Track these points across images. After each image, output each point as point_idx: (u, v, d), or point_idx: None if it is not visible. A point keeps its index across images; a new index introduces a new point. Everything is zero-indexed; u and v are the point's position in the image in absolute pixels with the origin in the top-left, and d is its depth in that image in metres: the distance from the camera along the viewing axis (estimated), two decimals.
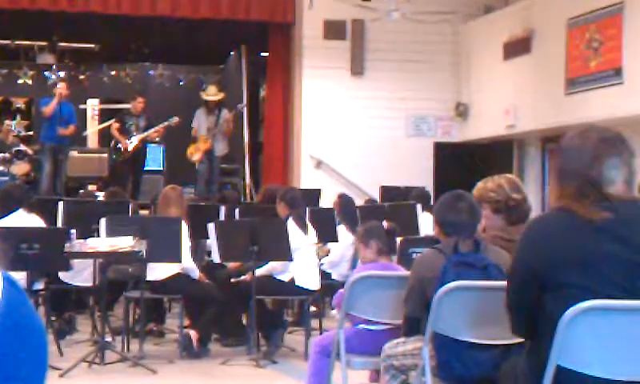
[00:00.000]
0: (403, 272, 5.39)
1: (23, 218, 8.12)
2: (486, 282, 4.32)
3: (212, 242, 8.50)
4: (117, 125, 15.11)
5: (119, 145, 14.88)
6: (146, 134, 14.89)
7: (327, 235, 9.56)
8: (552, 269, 3.26)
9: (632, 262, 3.21)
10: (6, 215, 8.07)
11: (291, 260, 8.24)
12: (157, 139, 16.10)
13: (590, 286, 3.22)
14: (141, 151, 15.06)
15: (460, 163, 14.36)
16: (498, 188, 4.90)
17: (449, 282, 4.30)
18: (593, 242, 3.23)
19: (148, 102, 15.56)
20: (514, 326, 3.49)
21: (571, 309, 3.21)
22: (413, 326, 4.70)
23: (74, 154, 15.48)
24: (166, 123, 14.98)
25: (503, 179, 4.97)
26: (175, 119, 14.98)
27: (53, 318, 8.68)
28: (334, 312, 7.16)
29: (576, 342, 3.28)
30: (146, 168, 15.63)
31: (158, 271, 8.29)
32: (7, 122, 16.98)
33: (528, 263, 3.35)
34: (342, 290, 5.61)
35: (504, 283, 3.58)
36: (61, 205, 9.10)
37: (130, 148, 14.80)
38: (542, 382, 3.27)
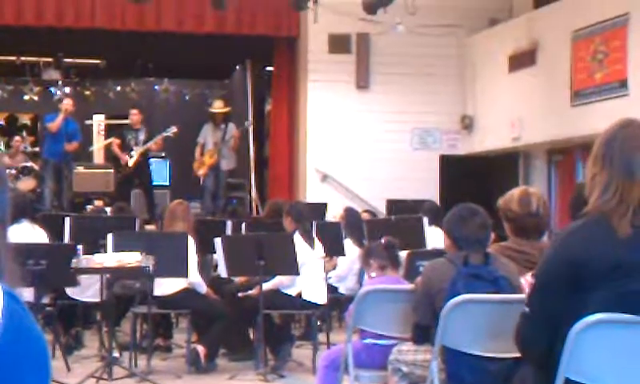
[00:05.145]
0: (411, 286, 5.38)
1: (27, 230, 8.09)
2: (495, 295, 4.31)
3: (219, 257, 8.50)
4: (117, 141, 15.04)
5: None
6: (144, 147, 14.76)
7: (334, 249, 9.54)
8: (589, 269, 3.17)
9: None
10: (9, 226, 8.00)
11: (298, 274, 8.24)
12: (162, 154, 16.08)
13: (620, 291, 3.17)
14: (143, 165, 14.95)
15: (466, 176, 14.35)
16: (508, 197, 4.90)
17: (458, 293, 4.30)
18: (627, 251, 3.17)
19: (153, 117, 15.53)
20: (532, 334, 3.33)
21: (580, 322, 3.20)
22: (423, 333, 4.69)
23: (79, 169, 15.46)
24: (164, 134, 14.85)
25: (518, 190, 4.95)
26: (173, 129, 14.82)
27: (60, 334, 8.68)
28: None
29: (586, 354, 3.26)
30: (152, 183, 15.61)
31: (165, 286, 8.29)
32: (17, 138, 17.01)
33: (566, 260, 3.23)
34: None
35: (514, 296, 3.55)
36: (67, 220, 9.09)
37: (131, 163, 14.71)
38: None
